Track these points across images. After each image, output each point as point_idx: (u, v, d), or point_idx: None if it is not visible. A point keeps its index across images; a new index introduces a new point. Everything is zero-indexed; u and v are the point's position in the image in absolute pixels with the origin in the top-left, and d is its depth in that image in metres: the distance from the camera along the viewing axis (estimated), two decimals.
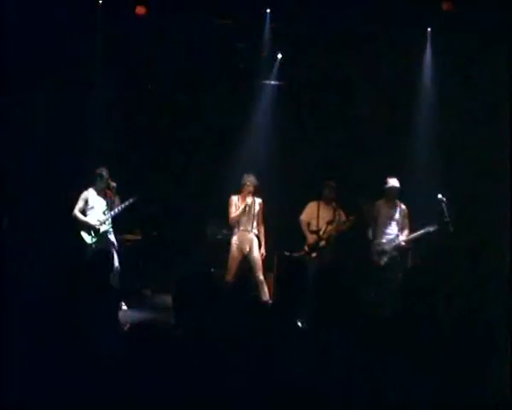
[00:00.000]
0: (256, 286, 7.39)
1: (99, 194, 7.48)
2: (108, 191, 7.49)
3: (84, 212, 7.43)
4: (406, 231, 7.44)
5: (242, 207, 7.58)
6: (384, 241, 7.43)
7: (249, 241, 7.61)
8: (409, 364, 2.97)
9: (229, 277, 7.44)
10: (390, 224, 7.44)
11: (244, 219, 7.60)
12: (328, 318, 3.37)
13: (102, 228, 7.41)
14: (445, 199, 7.16)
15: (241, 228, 7.61)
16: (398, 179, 7.47)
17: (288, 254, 7.87)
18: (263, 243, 7.70)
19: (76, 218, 7.39)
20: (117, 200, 7.50)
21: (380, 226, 7.45)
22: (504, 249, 6.39)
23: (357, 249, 7.77)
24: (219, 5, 8.10)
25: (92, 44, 8.17)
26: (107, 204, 7.46)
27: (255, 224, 7.66)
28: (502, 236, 6.85)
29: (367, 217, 7.54)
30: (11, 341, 3.07)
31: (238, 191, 7.69)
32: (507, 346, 3.18)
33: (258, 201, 7.70)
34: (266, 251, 7.72)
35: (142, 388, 2.75)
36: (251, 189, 7.57)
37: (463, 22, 7.70)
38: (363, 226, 7.65)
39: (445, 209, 7.12)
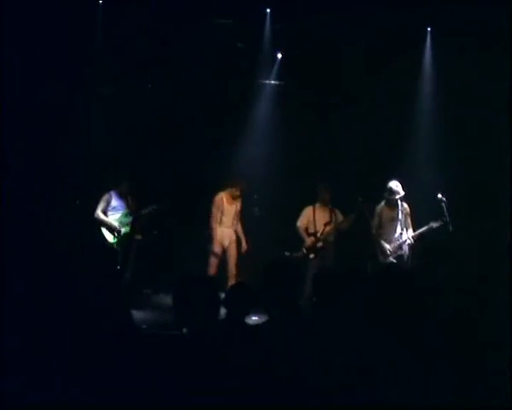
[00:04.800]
0: (228, 279, 7.79)
1: (121, 196, 7.70)
2: (129, 195, 7.74)
3: (105, 213, 7.64)
4: (410, 230, 7.42)
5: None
6: (388, 241, 7.42)
7: (229, 236, 8.08)
8: (409, 365, 2.97)
9: (212, 271, 7.86)
10: (393, 225, 7.41)
11: (226, 217, 8.04)
12: (329, 318, 3.38)
13: (124, 230, 7.63)
14: (444, 199, 7.16)
15: (223, 225, 8.06)
16: (399, 181, 7.38)
17: (288, 254, 7.89)
18: (243, 239, 8.14)
19: (98, 219, 7.61)
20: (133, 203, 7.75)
21: (383, 228, 7.46)
22: (504, 249, 6.38)
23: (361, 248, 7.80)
24: (219, 5, 8.11)
25: (92, 44, 8.18)
26: (129, 207, 7.70)
27: (235, 221, 8.10)
28: (502, 235, 6.85)
29: (368, 214, 7.51)
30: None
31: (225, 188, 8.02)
32: (508, 347, 3.18)
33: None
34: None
35: (142, 387, 2.75)
36: (238, 193, 8.01)
37: (463, 22, 7.69)
38: (364, 225, 7.64)
39: (445, 209, 7.12)
